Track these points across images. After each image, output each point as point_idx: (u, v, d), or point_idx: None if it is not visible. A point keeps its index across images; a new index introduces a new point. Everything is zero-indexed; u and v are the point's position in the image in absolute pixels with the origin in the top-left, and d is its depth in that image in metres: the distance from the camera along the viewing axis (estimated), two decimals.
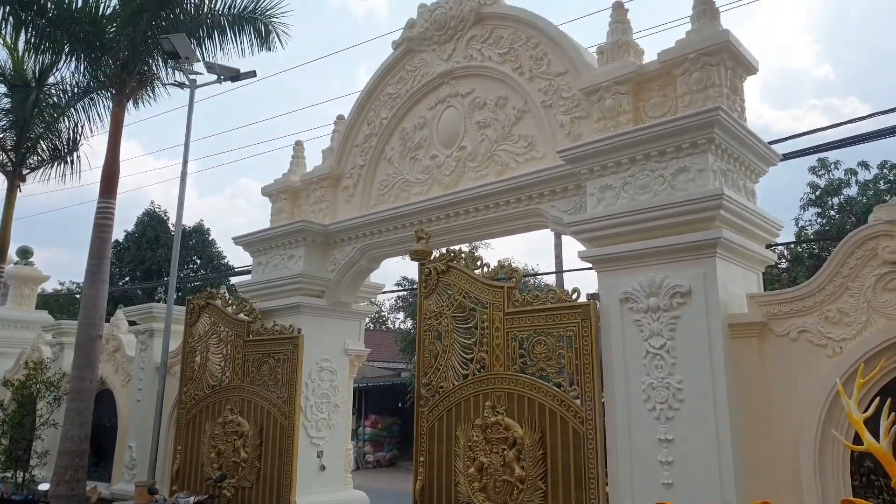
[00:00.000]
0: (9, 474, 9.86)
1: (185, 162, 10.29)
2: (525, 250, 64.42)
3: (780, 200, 28.69)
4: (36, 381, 10.35)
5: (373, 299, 9.21)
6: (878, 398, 3.87)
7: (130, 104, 10.20)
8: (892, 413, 3.58)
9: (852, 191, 17.98)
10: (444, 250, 6.58)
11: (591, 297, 5.61)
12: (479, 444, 5.67)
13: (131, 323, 10.73)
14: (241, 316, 8.20)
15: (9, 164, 12.21)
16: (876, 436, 3.58)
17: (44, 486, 8.49)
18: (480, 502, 5.57)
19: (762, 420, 4.67)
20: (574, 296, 5.49)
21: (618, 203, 5.38)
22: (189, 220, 32.55)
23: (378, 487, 13.98)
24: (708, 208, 4.83)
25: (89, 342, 8.86)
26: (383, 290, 10.01)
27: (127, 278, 28.91)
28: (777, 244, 12.59)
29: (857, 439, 3.77)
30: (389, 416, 24.66)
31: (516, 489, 5.36)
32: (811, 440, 4.37)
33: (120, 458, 9.88)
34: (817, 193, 18.48)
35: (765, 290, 5.62)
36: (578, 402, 5.22)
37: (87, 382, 8.72)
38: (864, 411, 3.78)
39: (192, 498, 6.91)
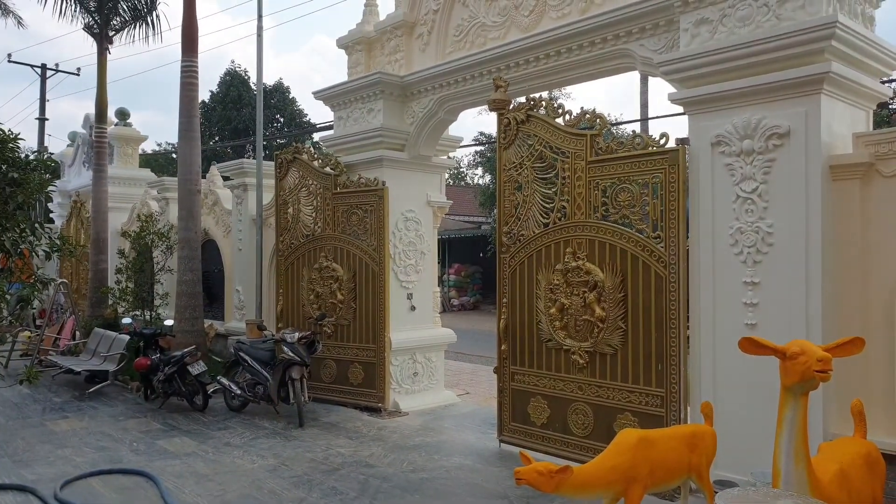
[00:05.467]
0: (138, 312, 11.26)
1: (260, 17, 10.24)
2: (607, 100, 61.18)
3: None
4: (149, 233, 11.42)
5: (451, 153, 9.22)
6: None
7: None
8: None
9: None
10: (522, 99, 6.40)
11: (680, 141, 5.39)
12: (560, 287, 5.87)
13: (225, 178, 11.38)
14: (327, 169, 8.49)
15: (95, 26, 12.54)
16: None
17: (168, 322, 9.62)
18: (562, 339, 5.88)
19: (856, 262, 4.55)
20: (662, 141, 5.30)
21: (714, 38, 4.98)
22: (269, 80, 32.81)
23: (463, 327, 14.92)
24: (818, 39, 4.41)
25: (189, 196, 9.51)
26: (462, 144, 9.97)
27: (217, 138, 30.06)
28: (892, 80, 11.35)
29: None
30: (472, 265, 25.75)
31: (597, 328, 5.61)
32: None
33: (229, 300, 11.00)
34: None
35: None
36: (662, 246, 5.23)
37: (192, 233, 9.51)
38: None
39: (297, 334, 7.64)
